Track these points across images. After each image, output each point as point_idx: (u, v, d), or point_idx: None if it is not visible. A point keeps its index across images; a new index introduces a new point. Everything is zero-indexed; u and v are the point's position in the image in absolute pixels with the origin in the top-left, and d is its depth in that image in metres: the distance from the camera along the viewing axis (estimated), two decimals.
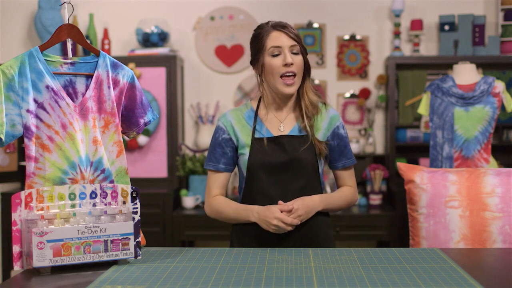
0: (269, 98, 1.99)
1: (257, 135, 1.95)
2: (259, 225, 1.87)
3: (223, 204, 1.96)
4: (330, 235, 1.99)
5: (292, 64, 1.88)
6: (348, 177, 2.03)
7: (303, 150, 1.91)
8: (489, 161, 3.14)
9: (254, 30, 1.97)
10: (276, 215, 1.80)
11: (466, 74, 3.25)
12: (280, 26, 1.91)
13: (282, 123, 1.97)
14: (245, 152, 1.94)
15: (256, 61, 1.96)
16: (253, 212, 1.87)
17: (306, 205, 1.86)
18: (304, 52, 1.93)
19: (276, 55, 1.89)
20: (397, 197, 3.93)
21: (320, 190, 1.97)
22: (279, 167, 1.91)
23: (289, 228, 1.82)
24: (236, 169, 2.05)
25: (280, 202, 1.85)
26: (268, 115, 1.99)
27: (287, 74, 1.89)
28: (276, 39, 1.89)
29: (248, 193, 1.95)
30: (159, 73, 4.11)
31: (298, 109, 1.97)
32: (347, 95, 4.37)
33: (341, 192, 2.01)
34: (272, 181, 1.91)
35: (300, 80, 1.93)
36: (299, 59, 1.91)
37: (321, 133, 1.96)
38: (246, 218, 1.90)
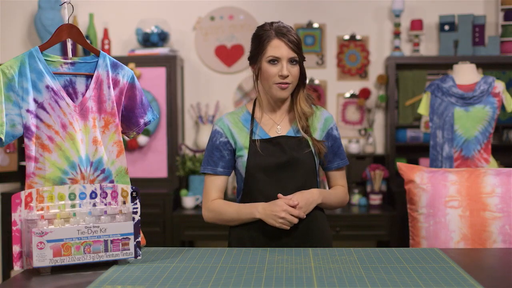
0: (264, 100, 2.00)
1: (254, 137, 1.96)
2: (257, 226, 1.89)
3: (223, 205, 1.96)
4: (328, 230, 2.03)
5: (287, 76, 1.90)
6: (340, 177, 2.07)
7: (301, 150, 1.93)
8: (489, 161, 3.14)
9: (258, 28, 1.97)
10: (284, 207, 1.83)
11: (466, 74, 3.25)
12: (282, 34, 1.90)
13: (278, 125, 1.98)
14: (243, 154, 1.95)
15: (254, 61, 1.97)
16: (258, 208, 1.89)
17: (305, 198, 1.89)
18: (301, 61, 1.94)
19: (274, 63, 1.90)
20: (397, 197, 3.93)
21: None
22: (278, 167, 1.92)
23: (296, 221, 1.84)
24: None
25: (279, 195, 1.88)
26: (264, 117, 2.00)
27: (282, 83, 1.91)
28: (277, 49, 1.89)
29: (248, 194, 1.96)
30: (159, 73, 4.11)
31: (293, 112, 1.99)
32: (347, 95, 4.37)
33: (335, 190, 2.04)
34: (270, 181, 1.93)
35: (293, 87, 1.95)
36: (295, 69, 1.92)
37: (317, 134, 1.99)
38: (250, 216, 1.90)
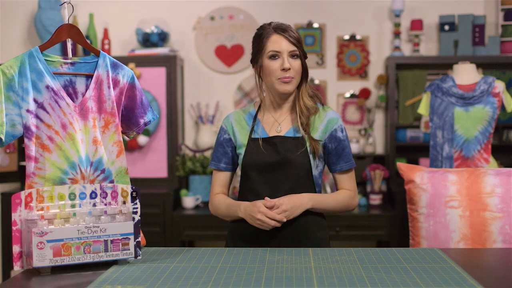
0: (267, 98, 2.01)
1: (254, 136, 1.97)
2: (248, 223, 1.90)
3: (221, 200, 2.01)
4: (323, 237, 1.97)
5: (289, 69, 1.89)
6: (345, 180, 2.00)
7: (296, 151, 1.92)
8: (489, 161, 3.14)
9: (257, 30, 1.98)
10: (260, 209, 1.82)
11: (466, 74, 3.25)
12: (281, 30, 1.91)
13: (280, 125, 1.98)
14: (242, 152, 1.98)
15: (255, 61, 1.97)
16: (240, 207, 1.91)
17: (293, 201, 1.86)
18: (303, 56, 1.94)
19: (275, 58, 1.90)
20: (397, 197, 3.93)
21: (312, 192, 1.95)
22: (271, 167, 1.92)
23: (273, 223, 1.82)
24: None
25: (266, 198, 1.86)
26: (267, 116, 2.01)
27: (285, 77, 1.90)
28: (276, 43, 1.90)
29: (242, 191, 2.00)
30: (159, 73, 4.11)
31: (296, 111, 1.97)
32: (347, 95, 4.37)
33: (335, 194, 1.99)
34: (263, 180, 1.93)
35: (297, 82, 1.94)
36: (297, 63, 1.92)
37: (317, 134, 1.95)
38: (235, 214, 1.94)
